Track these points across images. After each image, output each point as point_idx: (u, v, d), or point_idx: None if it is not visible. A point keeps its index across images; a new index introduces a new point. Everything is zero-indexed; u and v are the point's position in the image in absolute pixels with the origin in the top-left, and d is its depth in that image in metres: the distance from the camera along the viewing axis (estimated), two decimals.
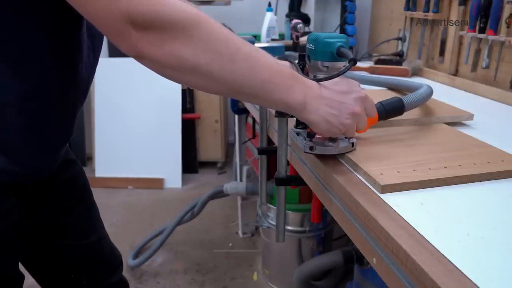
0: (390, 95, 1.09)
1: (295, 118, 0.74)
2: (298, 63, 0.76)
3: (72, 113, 0.74)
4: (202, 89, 0.59)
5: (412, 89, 1.08)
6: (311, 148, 0.71)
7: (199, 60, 0.54)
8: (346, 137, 0.73)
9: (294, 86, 0.62)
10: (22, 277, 0.80)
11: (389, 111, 0.79)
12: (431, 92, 0.92)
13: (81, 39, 0.68)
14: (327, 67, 0.69)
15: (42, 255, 0.89)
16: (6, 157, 0.65)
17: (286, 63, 0.75)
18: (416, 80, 1.45)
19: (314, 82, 0.65)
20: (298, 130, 0.77)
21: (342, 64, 0.69)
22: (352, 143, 0.73)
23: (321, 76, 0.70)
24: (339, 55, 0.67)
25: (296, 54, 1.61)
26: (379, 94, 1.14)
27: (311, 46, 0.70)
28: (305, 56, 0.73)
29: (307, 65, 0.74)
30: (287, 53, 1.66)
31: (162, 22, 0.52)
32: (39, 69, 0.63)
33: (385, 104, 0.79)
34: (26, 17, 0.59)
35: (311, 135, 0.72)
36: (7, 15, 0.58)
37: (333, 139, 0.72)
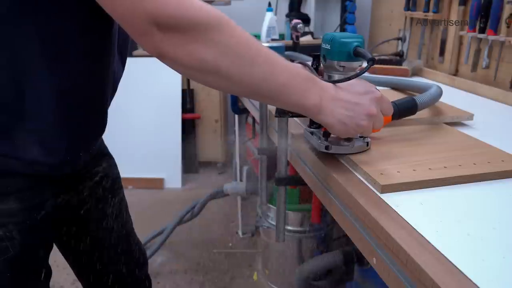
0: (394, 95, 1.08)
1: (296, 118, 0.73)
2: (312, 63, 0.76)
3: (103, 107, 0.76)
4: (223, 90, 0.61)
5: (417, 89, 1.08)
6: (326, 148, 0.71)
7: (220, 63, 0.55)
8: (361, 137, 0.73)
9: (310, 88, 0.62)
10: (50, 271, 0.81)
11: (402, 111, 0.79)
12: (441, 92, 0.92)
13: (112, 33, 0.70)
14: (343, 67, 0.69)
15: (72, 244, 0.91)
16: (42, 149, 0.66)
17: (299, 65, 0.75)
18: (416, 80, 1.45)
19: (330, 84, 0.65)
20: (312, 129, 0.77)
21: (358, 64, 0.69)
22: (367, 143, 0.73)
23: (336, 76, 0.70)
24: (356, 55, 0.67)
25: (297, 54, 1.61)
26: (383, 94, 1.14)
27: (327, 46, 0.70)
28: (320, 56, 0.73)
29: (322, 65, 0.74)
30: (287, 53, 1.66)
31: (185, 24, 0.52)
32: (73, 62, 0.65)
33: (399, 104, 0.79)
34: (57, 14, 0.60)
35: (326, 134, 0.72)
36: (40, 10, 0.59)
37: (348, 139, 0.72)
